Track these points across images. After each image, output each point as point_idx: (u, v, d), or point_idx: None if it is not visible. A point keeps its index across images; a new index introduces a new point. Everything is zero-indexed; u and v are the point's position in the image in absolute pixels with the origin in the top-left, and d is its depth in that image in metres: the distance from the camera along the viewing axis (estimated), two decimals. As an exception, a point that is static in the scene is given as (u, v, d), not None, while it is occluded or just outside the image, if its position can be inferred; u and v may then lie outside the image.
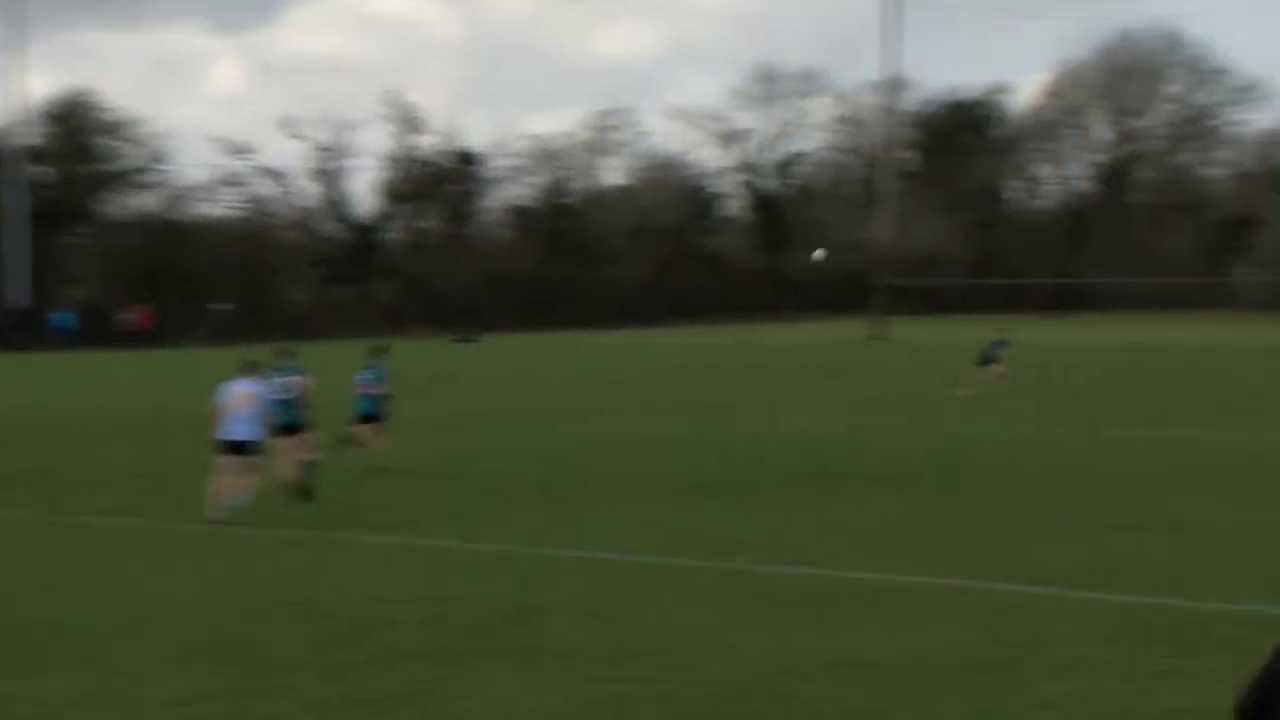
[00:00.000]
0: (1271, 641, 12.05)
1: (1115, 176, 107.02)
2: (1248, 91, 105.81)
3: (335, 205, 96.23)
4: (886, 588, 14.03)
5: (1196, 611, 12.82)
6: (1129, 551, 15.80)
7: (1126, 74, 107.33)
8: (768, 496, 20.35)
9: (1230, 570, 14.69)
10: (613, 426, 30.94)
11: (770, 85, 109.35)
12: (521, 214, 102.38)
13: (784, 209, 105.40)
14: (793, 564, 15.17)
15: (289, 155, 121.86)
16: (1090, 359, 54.57)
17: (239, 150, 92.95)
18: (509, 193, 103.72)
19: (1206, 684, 10.52)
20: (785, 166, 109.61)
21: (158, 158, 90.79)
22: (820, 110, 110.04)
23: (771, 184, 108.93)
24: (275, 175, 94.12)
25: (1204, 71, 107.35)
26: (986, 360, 38.62)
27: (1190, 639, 11.79)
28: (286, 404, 20.81)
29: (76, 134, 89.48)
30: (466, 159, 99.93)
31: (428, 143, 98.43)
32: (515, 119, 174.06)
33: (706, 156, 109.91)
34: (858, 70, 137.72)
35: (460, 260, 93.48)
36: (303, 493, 20.53)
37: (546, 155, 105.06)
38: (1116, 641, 11.80)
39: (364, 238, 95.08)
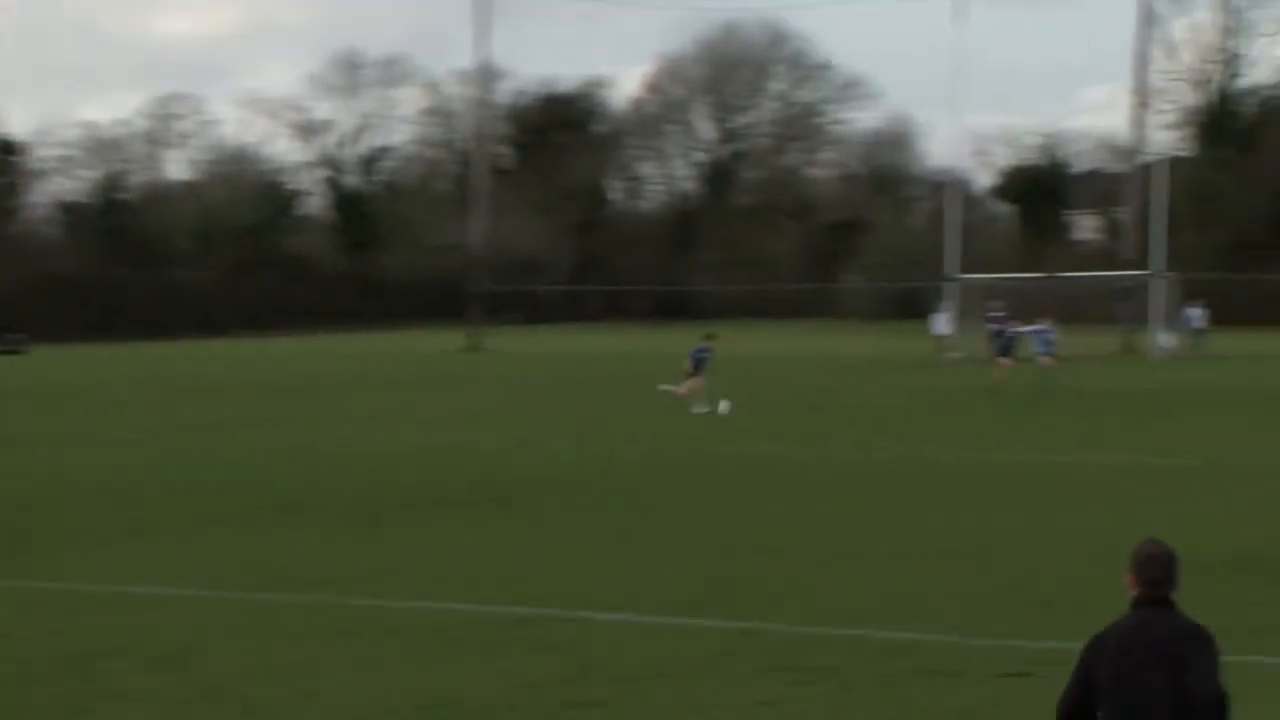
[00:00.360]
0: (876, 668, 12.72)
1: (720, 177, 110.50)
2: (851, 89, 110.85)
3: None
4: (480, 619, 14.22)
5: (798, 636, 13.42)
6: (727, 575, 16.41)
7: (729, 69, 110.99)
8: (351, 521, 20.29)
9: (828, 593, 15.42)
10: (180, 446, 30.30)
11: (353, 73, 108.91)
12: (73, 210, 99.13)
13: (370, 208, 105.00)
14: (378, 596, 15.22)
15: None
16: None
17: None
18: (58, 187, 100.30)
19: (808, 710, 11.06)
20: (370, 162, 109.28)
21: None
22: (408, 101, 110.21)
23: (356, 181, 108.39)
24: None
25: (808, 68, 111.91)
26: (697, 368, 38.92)
27: (794, 665, 12.33)
28: None
29: None
30: (6, 148, 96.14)
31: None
32: (64, 105, 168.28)
33: (284, 149, 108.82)
34: (448, 58, 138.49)
35: (1, 262, 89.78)
36: None
37: (101, 146, 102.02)
38: (716, 670, 12.27)
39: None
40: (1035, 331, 44.85)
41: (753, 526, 19.72)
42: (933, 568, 16.67)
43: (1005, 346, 44.72)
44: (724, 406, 36.69)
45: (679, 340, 77.43)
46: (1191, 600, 6.98)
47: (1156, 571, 6.57)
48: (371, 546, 18.43)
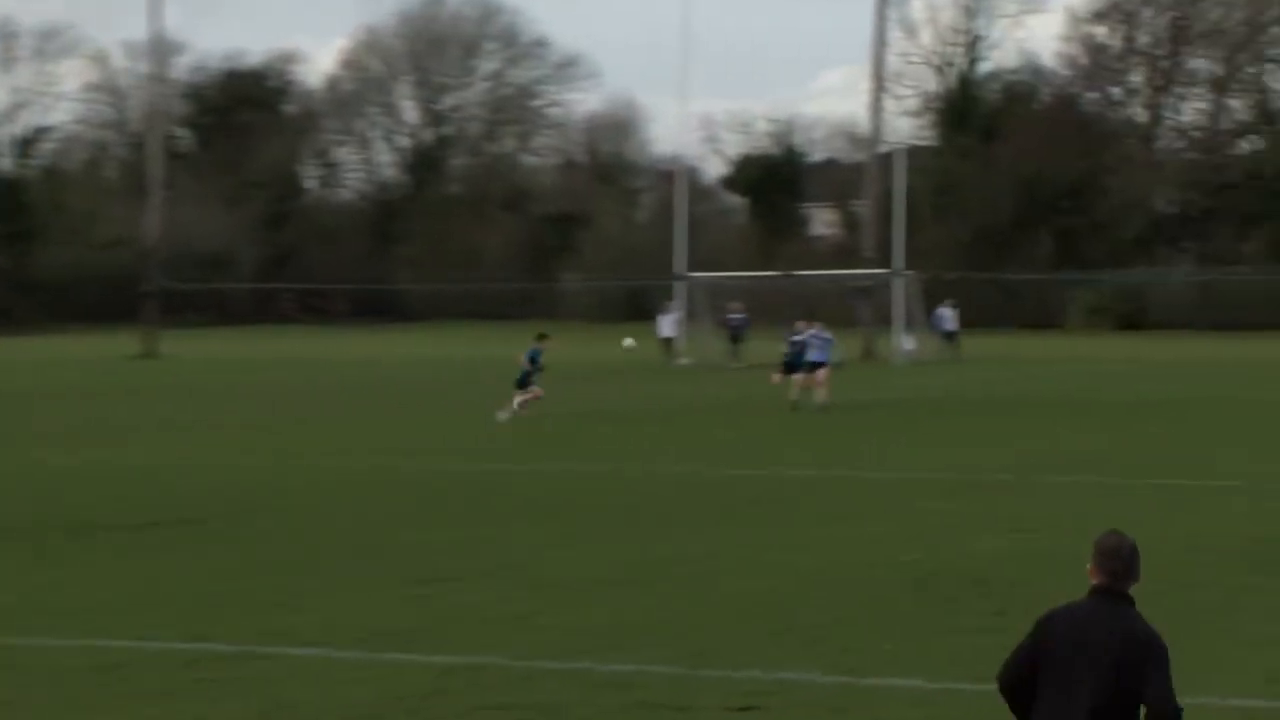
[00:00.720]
0: (599, 703, 12.86)
1: (425, 164, 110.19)
2: (569, 68, 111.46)
3: None
4: (152, 658, 13.97)
5: (514, 671, 13.46)
6: (436, 604, 16.38)
7: (435, 44, 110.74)
8: (2, 548, 19.81)
9: (545, 623, 15.49)
10: None
11: (6, 43, 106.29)
12: None
13: (27, 195, 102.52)
14: (32, 633, 14.88)
15: None
16: (402, 376, 55.99)
17: None
18: None
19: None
20: (27, 143, 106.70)
21: None
22: (70, 76, 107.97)
23: (9, 165, 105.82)
24: None
25: (522, 45, 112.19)
26: (527, 376, 38.60)
27: (511, 703, 12.38)
28: None
29: None
30: None
31: None
32: None
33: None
34: (117, 28, 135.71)
35: None
36: None
37: None
38: (426, 710, 12.24)
39: None
40: (814, 337, 44.57)
41: (463, 550, 19.70)
42: (655, 593, 16.84)
43: (794, 359, 43.46)
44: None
45: (381, 344, 76.97)
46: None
47: (1117, 564, 7.17)
48: (26, 576, 18.01)
